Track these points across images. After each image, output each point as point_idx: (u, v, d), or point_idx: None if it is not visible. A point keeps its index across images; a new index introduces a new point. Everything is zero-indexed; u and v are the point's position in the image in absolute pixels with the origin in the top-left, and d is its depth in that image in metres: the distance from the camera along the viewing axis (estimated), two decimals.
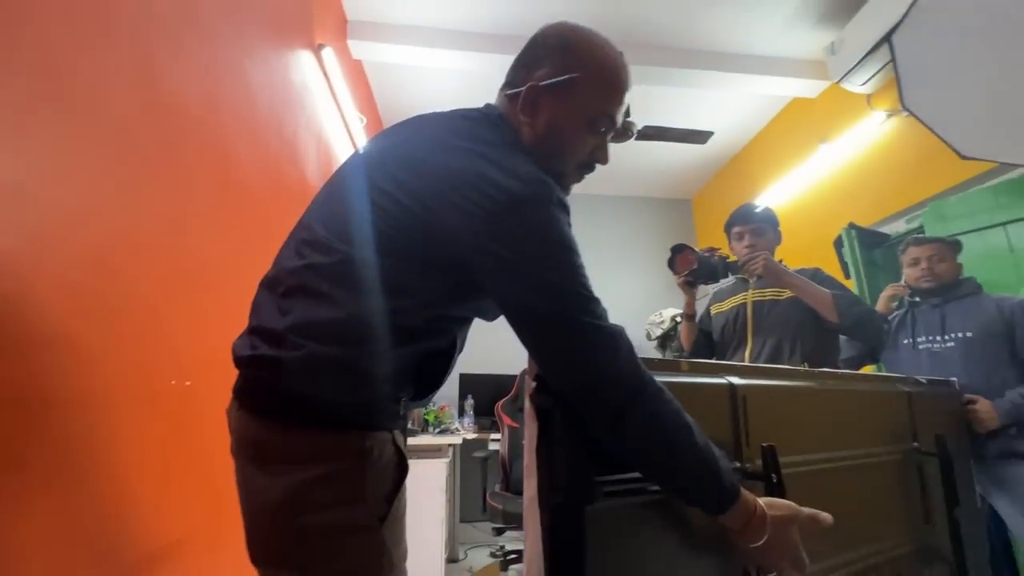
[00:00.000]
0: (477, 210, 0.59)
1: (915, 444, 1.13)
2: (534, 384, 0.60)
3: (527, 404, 0.60)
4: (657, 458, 0.59)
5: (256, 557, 0.64)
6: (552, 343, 0.58)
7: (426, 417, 3.14)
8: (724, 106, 3.42)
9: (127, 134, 0.93)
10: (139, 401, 0.95)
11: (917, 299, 1.72)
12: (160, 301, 1.02)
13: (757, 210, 1.75)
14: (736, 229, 1.73)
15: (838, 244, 2.59)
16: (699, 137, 2.74)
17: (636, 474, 0.63)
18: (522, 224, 0.59)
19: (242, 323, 0.70)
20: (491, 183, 0.60)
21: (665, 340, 3.92)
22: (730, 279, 1.78)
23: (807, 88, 3.02)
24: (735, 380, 0.82)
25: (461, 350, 0.80)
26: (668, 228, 4.62)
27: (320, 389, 0.62)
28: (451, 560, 3.04)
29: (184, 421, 1.08)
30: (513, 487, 2.99)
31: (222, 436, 0.68)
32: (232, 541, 0.75)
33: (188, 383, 1.09)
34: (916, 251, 1.72)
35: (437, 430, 3.10)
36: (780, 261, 1.61)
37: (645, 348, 4.14)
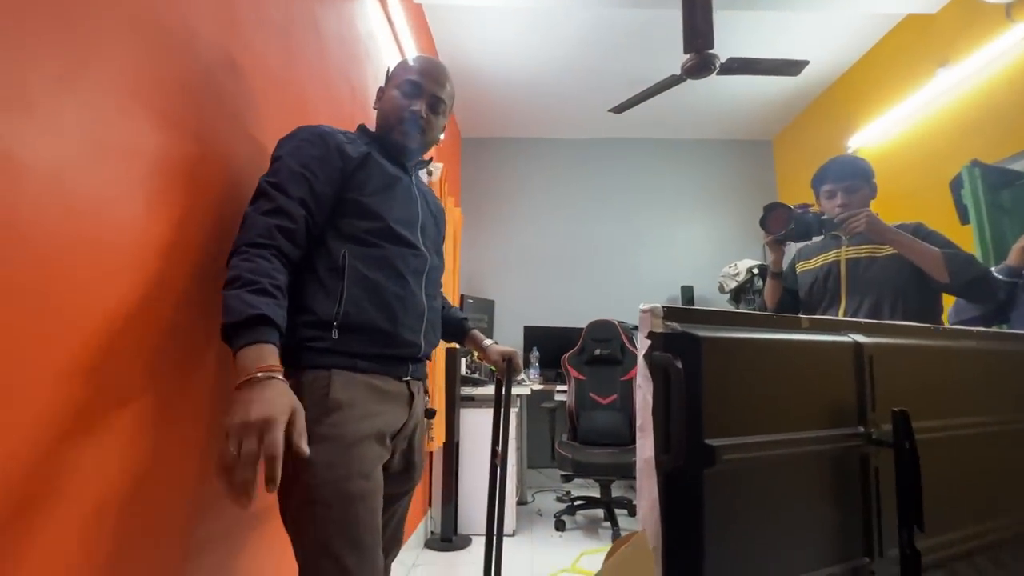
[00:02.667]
0: None
1: None
2: (648, 342, 0.56)
3: (641, 363, 0.56)
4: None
5: None
6: None
7: (491, 368, 3.21)
8: (821, 30, 3.01)
9: (210, 91, 0.94)
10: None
11: None
12: None
13: (848, 163, 1.61)
14: (827, 187, 1.60)
15: (957, 185, 2.27)
16: (793, 68, 2.43)
17: (755, 437, 0.59)
18: None
19: None
20: None
21: (739, 293, 3.71)
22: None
23: (926, 2, 2.59)
24: (860, 338, 0.74)
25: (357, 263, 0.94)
26: (746, 172, 4.27)
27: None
28: (520, 503, 3.20)
29: None
30: (580, 437, 3.04)
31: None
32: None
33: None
34: None
35: None
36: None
37: (717, 301, 3.94)
